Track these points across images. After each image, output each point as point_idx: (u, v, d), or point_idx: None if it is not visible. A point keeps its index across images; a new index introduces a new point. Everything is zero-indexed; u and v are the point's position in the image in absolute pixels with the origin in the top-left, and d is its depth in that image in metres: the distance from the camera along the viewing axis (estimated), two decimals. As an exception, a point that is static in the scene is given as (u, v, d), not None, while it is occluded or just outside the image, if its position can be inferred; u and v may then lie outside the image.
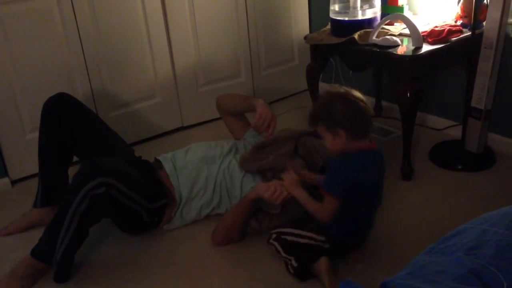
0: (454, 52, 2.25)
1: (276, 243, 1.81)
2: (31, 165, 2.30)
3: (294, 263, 1.75)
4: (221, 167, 2.06)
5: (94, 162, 1.80)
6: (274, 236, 1.83)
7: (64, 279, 1.81)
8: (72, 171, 2.14)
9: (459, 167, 2.33)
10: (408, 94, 2.12)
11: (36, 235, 1.86)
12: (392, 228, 1.97)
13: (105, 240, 2.04)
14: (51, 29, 2.41)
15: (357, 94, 1.68)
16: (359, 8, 2.39)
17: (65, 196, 1.77)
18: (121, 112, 2.72)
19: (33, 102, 2.36)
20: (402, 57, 2.14)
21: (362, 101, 1.67)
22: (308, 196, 1.73)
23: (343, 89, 1.70)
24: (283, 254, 1.79)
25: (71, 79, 2.52)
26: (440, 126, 2.66)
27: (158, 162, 2.14)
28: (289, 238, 1.79)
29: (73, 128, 2.08)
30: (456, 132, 2.54)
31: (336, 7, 2.45)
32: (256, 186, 1.93)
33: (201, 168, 2.05)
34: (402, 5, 2.46)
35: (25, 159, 2.44)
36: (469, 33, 2.23)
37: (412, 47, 2.17)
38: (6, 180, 2.47)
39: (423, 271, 0.81)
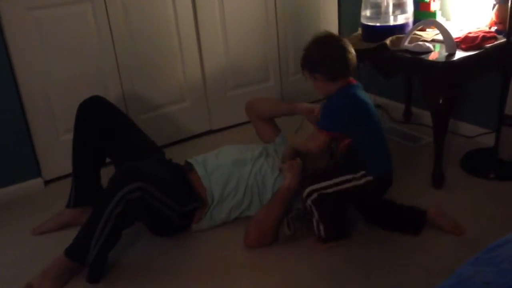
0: (488, 59, 2.22)
1: (314, 207, 1.85)
2: (64, 166, 2.35)
3: (325, 227, 1.86)
4: (252, 170, 2.08)
5: (131, 166, 1.83)
6: (314, 196, 1.84)
7: (97, 279, 1.83)
8: (104, 172, 2.20)
9: (492, 175, 2.29)
10: (441, 101, 2.10)
11: (68, 235, 1.90)
12: (423, 237, 1.95)
13: (136, 242, 2.06)
14: (86, 33, 2.46)
15: (336, 36, 1.90)
16: (391, 13, 2.38)
17: (101, 199, 1.80)
18: (151, 115, 2.75)
19: (67, 104, 2.40)
20: (435, 64, 2.12)
21: (338, 44, 1.84)
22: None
23: (323, 33, 1.90)
24: (316, 217, 1.86)
25: (103, 82, 2.57)
26: (472, 133, 2.62)
27: (189, 164, 2.16)
28: (330, 190, 1.83)
29: (106, 130, 2.12)
30: (488, 140, 2.50)
31: (367, 12, 2.44)
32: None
33: (232, 171, 2.07)
34: (435, 11, 2.44)
35: (58, 160, 2.48)
36: (504, 39, 2.20)
37: (445, 54, 2.14)
38: (39, 180, 2.52)
39: (469, 282, 0.80)
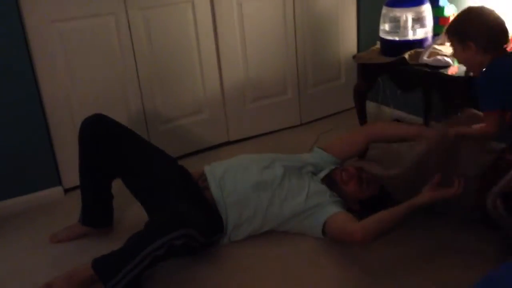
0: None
1: (501, 206, 1.70)
2: (84, 175, 2.37)
3: None
4: (274, 199, 2.04)
5: (179, 213, 1.83)
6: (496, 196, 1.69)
7: None
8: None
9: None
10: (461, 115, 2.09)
11: (86, 245, 2.00)
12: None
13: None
14: (108, 45, 2.51)
15: (492, 10, 1.84)
16: (410, 28, 2.39)
17: (144, 234, 1.80)
18: (170, 126, 2.79)
19: (88, 113, 2.40)
20: (454, 78, 2.12)
21: (495, 13, 1.81)
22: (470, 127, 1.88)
23: (483, 7, 1.86)
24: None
25: (124, 94, 2.61)
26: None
27: (205, 180, 2.11)
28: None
29: (109, 151, 2.07)
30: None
31: (386, 26, 2.45)
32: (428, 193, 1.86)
33: (251, 195, 2.04)
34: (454, 26, 2.43)
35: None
36: (525, 54, 2.19)
37: (464, 68, 2.14)
38: (59, 188, 2.56)
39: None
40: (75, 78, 2.48)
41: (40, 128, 2.45)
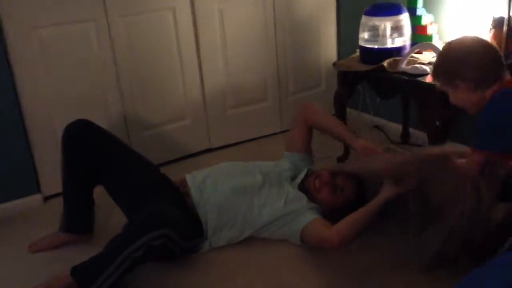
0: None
1: None
2: (64, 182, 2.35)
3: None
4: (253, 204, 2.05)
5: (157, 212, 1.82)
6: None
7: None
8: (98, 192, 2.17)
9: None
10: (438, 123, 2.13)
11: (65, 254, 1.97)
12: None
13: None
14: (88, 52, 2.50)
15: (479, 38, 1.60)
16: (388, 36, 2.43)
17: (123, 236, 1.80)
18: (151, 133, 2.78)
19: (68, 120, 2.38)
20: (432, 86, 2.15)
21: (485, 45, 1.56)
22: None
23: (464, 37, 1.63)
24: None
25: (105, 100, 2.60)
26: (468, 154, 2.64)
27: (186, 185, 2.13)
28: None
29: (93, 156, 2.06)
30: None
31: (365, 35, 2.49)
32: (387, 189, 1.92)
33: (230, 199, 2.04)
34: (432, 34, 2.48)
35: (58, 176, 2.47)
36: (500, 63, 2.23)
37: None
38: (38, 196, 2.53)
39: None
40: (54, 84, 2.46)
41: (19, 135, 2.42)
